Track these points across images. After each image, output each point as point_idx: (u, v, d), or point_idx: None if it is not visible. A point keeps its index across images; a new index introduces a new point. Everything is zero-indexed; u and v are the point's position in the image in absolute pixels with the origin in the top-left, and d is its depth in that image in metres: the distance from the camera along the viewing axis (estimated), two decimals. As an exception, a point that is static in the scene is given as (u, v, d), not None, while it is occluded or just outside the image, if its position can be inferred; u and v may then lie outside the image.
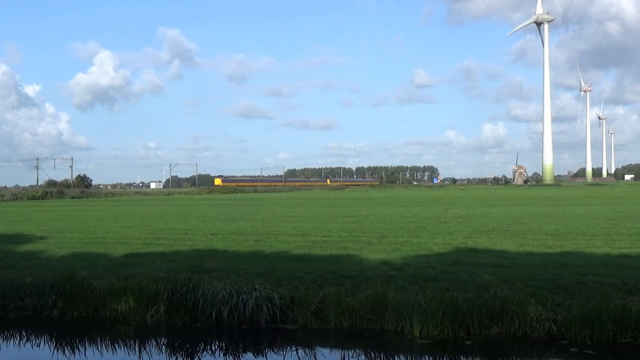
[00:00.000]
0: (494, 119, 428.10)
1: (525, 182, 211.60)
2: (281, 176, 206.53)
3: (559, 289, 11.54)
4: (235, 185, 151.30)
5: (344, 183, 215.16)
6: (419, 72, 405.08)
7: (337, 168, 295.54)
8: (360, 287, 12.03)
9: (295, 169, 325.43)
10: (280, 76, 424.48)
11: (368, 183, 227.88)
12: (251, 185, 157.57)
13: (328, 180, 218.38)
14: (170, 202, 62.71)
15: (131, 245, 19.13)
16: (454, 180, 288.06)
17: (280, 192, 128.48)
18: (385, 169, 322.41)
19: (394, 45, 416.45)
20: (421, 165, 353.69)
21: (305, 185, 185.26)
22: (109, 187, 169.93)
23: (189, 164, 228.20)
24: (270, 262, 15.05)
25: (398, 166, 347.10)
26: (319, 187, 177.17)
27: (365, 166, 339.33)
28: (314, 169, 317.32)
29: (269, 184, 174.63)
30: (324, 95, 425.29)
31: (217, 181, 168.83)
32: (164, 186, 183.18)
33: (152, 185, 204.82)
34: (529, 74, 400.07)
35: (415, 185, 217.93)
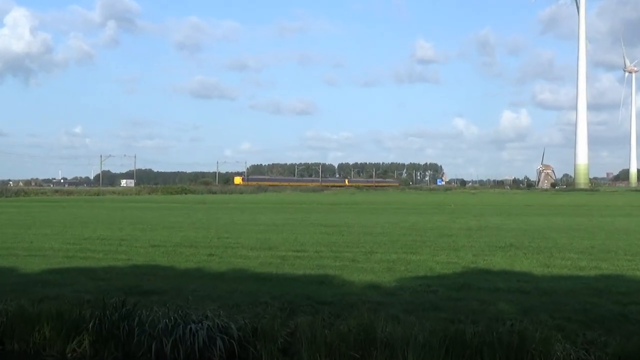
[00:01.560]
0: (515, 105, 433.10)
1: (553, 185, 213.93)
2: (313, 175, 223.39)
3: (592, 322, 11.65)
4: (259, 186, 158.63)
5: (367, 184, 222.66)
6: (422, 44, 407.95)
7: (315, 164, 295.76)
8: (342, 316, 12.03)
9: (261, 165, 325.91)
10: (245, 46, 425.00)
11: (389, 184, 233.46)
12: (284, 186, 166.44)
13: (346, 181, 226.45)
14: (100, 205, 62.26)
15: (49, 258, 18.97)
16: (462, 182, 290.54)
17: (241, 193, 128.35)
18: (376, 166, 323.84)
19: (391, 10, 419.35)
20: (422, 163, 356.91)
21: (341, 186, 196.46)
22: (21, 184, 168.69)
23: (125, 155, 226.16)
24: (227, 282, 15.00)
25: (392, 163, 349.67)
26: (353, 188, 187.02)
27: (351, 162, 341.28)
28: (285, 164, 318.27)
29: (302, 184, 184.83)
30: (301, 71, 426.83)
31: (238, 180, 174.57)
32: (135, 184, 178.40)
33: (123, 183, 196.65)
34: (562, 49, 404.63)
35: (413, 188, 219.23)
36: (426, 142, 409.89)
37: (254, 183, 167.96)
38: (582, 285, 14.59)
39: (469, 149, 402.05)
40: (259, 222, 35.59)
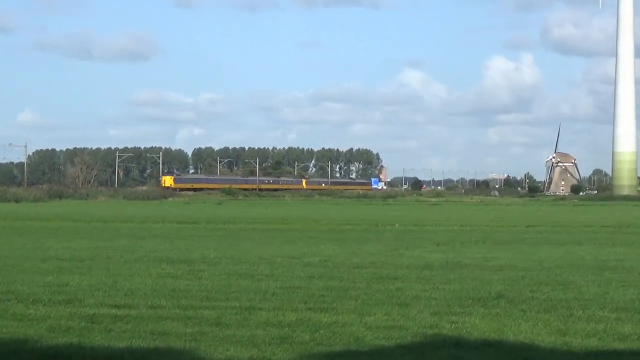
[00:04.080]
0: (512, 48, 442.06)
1: (576, 190, 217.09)
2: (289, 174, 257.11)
3: None
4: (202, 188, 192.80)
5: (338, 186, 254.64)
6: None
7: (151, 150, 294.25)
8: None
9: (54, 150, 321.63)
10: None
11: (361, 187, 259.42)
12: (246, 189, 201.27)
13: (304, 182, 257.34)
14: None
15: None
16: (417, 184, 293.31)
17: (16, 201, 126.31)
18: (262, 153, 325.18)
19: None
20: (344, 149, 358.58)
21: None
22: None
23: None
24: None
25: (292, 148, 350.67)
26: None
27: (217, 147, 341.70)
28: (99, 150, 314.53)
29: (270, 186, 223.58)
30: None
31: (168, 180, 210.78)
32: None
33: None
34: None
35: (329, 193, 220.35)
36: (352, 112, 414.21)
37: (202, 186, 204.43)
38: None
39: (429, 124, 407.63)
40: (50, 253, 35.20)
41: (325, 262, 32.21)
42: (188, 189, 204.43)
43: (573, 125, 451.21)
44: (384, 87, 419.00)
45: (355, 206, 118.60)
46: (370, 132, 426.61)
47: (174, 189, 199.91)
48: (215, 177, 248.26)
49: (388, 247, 40.16)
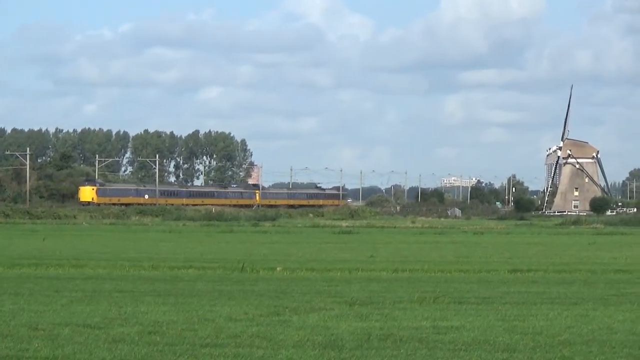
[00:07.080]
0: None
1: (600, 206, 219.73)
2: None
3: None
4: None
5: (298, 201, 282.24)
6: None
7: None
8: None
9: None
10: None
11: (328, 201, 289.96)
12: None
13: (257, 195, 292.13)
14: None
15: None
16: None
17: None
18: (38, 139, 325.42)
19: None
20: (183, 133, 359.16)
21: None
22: None
23: None
24: None
25: (88, 130, 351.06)
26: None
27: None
28: None
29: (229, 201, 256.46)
30: None
31: (87, 193, 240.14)
32: None
33: None
34: None
35: (159, 211, 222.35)
36: (200, 66, 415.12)
37: (136, 201, 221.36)
38: None
39: (339, 88, 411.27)
40: None
41: (149, 335, 32.12)
42: (118, 205, 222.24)
43: (596, 91, 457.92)
44: (258, 21, 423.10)
45: (205, 235, 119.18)
46: (233, 103, 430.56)
47: (97, 205, 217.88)
48: (189, 188, 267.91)
49: (262, 309, 40.22)
